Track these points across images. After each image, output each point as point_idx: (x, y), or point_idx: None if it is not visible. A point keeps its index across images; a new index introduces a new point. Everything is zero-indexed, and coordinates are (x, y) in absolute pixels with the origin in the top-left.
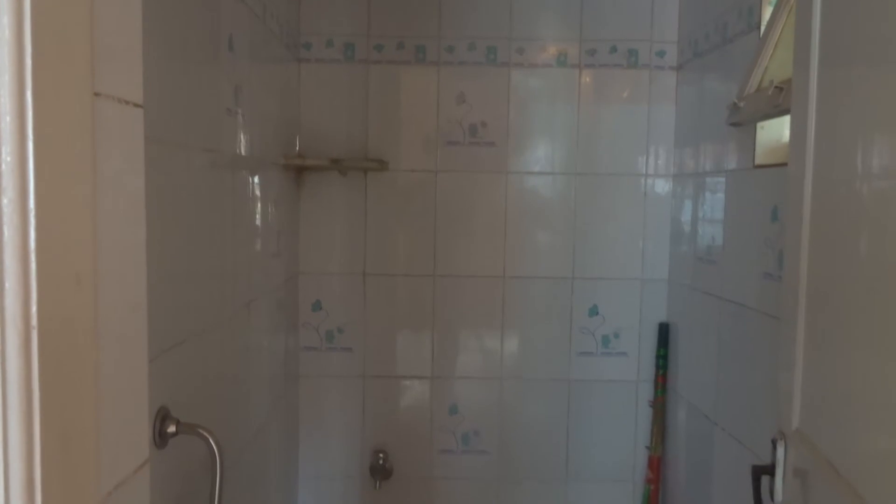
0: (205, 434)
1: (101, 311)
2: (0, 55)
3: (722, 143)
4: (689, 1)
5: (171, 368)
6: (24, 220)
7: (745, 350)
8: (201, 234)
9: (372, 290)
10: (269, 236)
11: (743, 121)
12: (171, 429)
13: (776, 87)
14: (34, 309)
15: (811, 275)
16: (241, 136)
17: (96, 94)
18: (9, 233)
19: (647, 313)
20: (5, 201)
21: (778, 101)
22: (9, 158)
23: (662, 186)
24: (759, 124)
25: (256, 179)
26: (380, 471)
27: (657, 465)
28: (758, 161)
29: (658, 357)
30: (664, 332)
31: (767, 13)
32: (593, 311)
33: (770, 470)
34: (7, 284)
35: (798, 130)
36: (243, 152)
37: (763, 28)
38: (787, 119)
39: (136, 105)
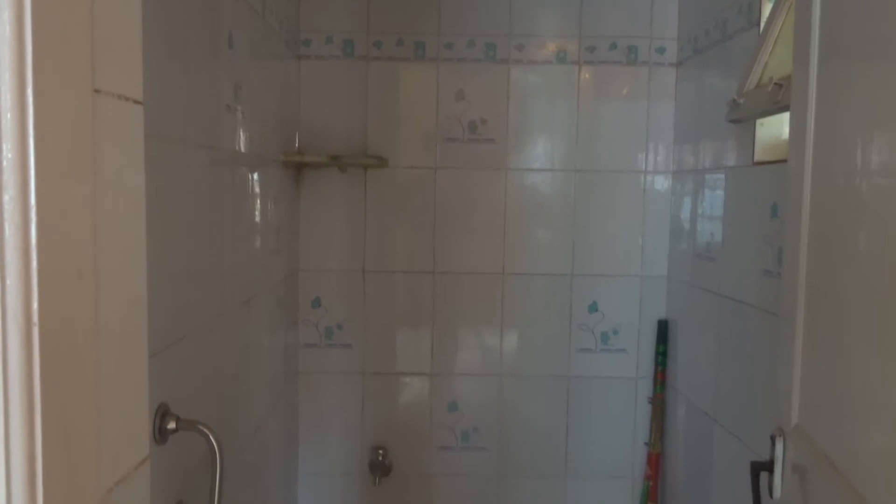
0: (205, 430)
1: (101, 307)
2: (1, 52)
3: (721, 140)
4: None
5: (171, 365)
6: (25, 216)
7: (744, 347)
8: (201, 231)
9: (371, 286)
10: (269, 233)
11: (742, 117)
12: (171, 425)
13: (776, 83)
14: (35, 305)
15: (810, 272)
16: (241, 133)
17: (96, 91)
18: (10, 229)
19: (647, 310)
20: (6, 198)
21: (777, 98)
22: (10, 155)
23: (662, 183)
24: (759, 121)
25: (256, 176)
26: (379, 467)
27: (656, 462)
28: (757, 158)
29: (657, 354)
30: (663, 329)
31: (767, 10)
32: (593, 308)
33: (769, 466)
34: (8, 281)
35: (797, 127)
36: (243, 149)
37: (763, 25)
38: (786, 116)
39: (136, 102)
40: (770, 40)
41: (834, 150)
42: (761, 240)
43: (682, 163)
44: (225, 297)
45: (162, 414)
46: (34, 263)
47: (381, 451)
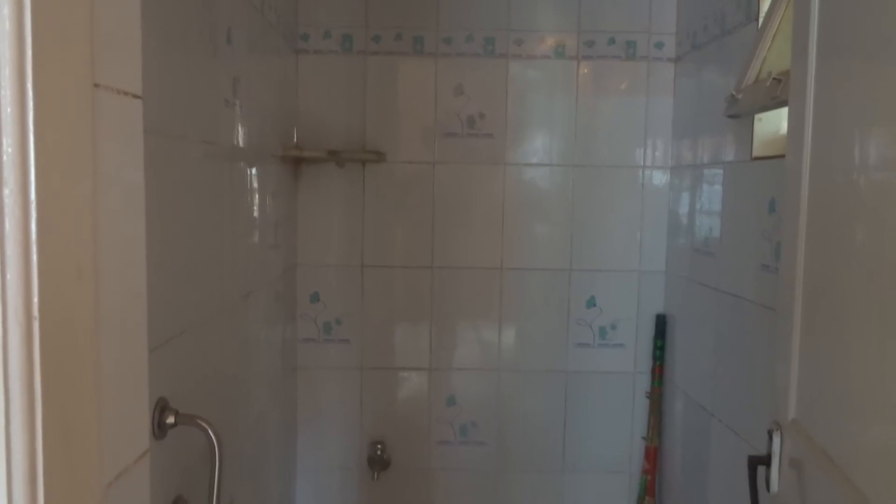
0: (203, 425)
1: (101, 302)
2: (1, 47)
3: (720, 135)
4: None
5: (170, 360)
6: (25, 211)
7: (741, 342)
8: (199, 225)
9: (370, 281)
10: (267, 228)
11: (741, 112)
12: (170, 420)
13: (774, 78)
14: (35, 300)
15: (808, 267)
16: (239, 128)
17: (96, 86)
18: (10, 224)
19: (645, 305)
20: (6, 192)
21: (776, 93)
22: (10, 150)
23: (660, 178)
24: (757, 116)
25: (254, 171)
26: (378, 462)
27: (654, 456)
28: (755, 153)
29: (655, 348)
30: (661, 324)
31: (766, 5)
32: (591, 303)
33: (766, 460)
34: (8, 276)
35: (796, 122)
36: (241, 144)
37: (761, 19)
38: (784, 111)
39: (135, 96)
40: (769, 35)
41: (832, 146)
42: (759, 235)
43: (680, 158)
44: (224, 291)
45: (161, 408)
46: (34, 258)
47: (379, 446)
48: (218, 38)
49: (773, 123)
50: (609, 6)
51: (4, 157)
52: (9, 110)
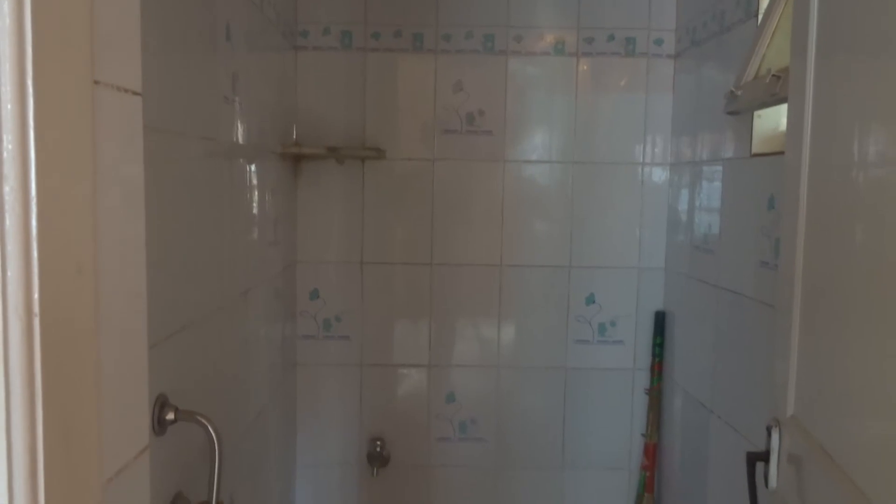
0: (203, 421)
1: (101, 297)
2: (1, 43)
3: (719, 132)
4: None
5: (170, 356)
6: (25, 208)
7: (741, 338)
8: (199, 222)
9: (369, 278)
10: (267, 225)
11: (740, 109)
12: (170, 416)
13: (773, 75)
14: (36, 296)
15: (807, 263)
16: (239, 125)
17: (96, 83)
18: (10, 220)
19: (644, 302)
20: (7, 189)
21: (775, 90)
22: (10, 146)
23: (659, 175)
24: (757, 113)
25: (254, 168)
26: (377, 458)
27: (653, 453)
28: (755, 150)
29: (654, 345)
30: (661, 321)
31: (765, 1)
32: (590, 300)
33: (765, 456)
34: (9, 272)
35: (795, 119)
36: (240, 141)
37: (761, 16)
38: (784, 107)
39: (134, 93)
40: (768, 32)
41: (831, 142)
42: (758, 232)
43: (679, 155)
44: (223, 288)
45: (161, 405)
46: (35, 254)
47: (379, 443)
48: (217, 34)
49: (773, 120)
50: (608, 3)
51: (5, 154)
52: (9, 107)
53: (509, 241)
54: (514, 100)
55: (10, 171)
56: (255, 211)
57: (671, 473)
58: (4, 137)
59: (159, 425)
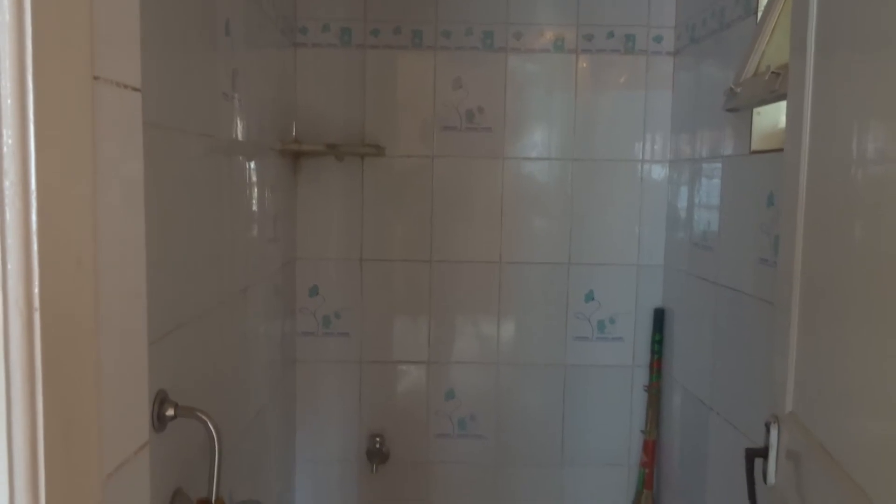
0: (203, 417)
1: (101, 293)
2: (1, 38)
3: (718, 129)
4: None
5: (169, 353)
6: (25, 202)
7: (740, 335)
8: (198, 219)
9: (369, 275)
10: (266, 222)
11: (739, 106)
12: (170, 412)
13: (773, 72)
14: (36, 290)
15: (806, 260)
16: (238, 122)
17: (95, 78)
18: (10, 215)
19: (643, 299)
20: (7, 183)
21: (775, 87)
22: (10, 141)
23: (659, 172)
24: (756, 110)
25: (253, 165)
26: (377, 455)
27: (652, 450)
28: (754, 147)
29: (653, 342)
30: (660, 318)
31: None
32: (589, 297)
33: (763, 453)
34: (10, 266)
35: (794, 116)
36: (240, 137)
37: (760, 13)
38: (783, 104)
39: (134, 89)
40: (767, 29)
41: (831, 139)
42: (758, 229)
43: (679, 152)
44: (223, 285)
45: (160, 401)
46: (35, 249)
47: (378, 439)
48: (216, 30)
49: (772, 117)
50: (608, 0)
51: (5, 149)
52: (9, 101)
53: (509, 238)
54: (514, 97)
55: (11, 165)
56: (254, 208)
57: (670, 470)
58: (4, 132)
59: (159, 421)
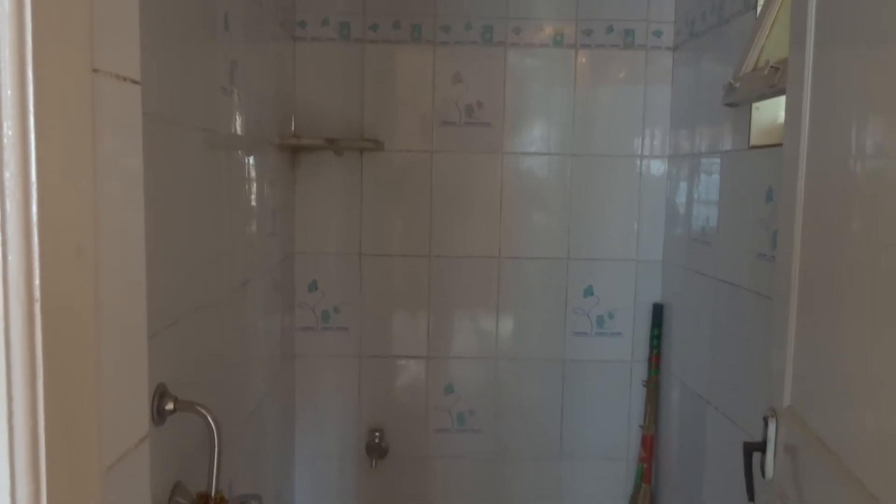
0: (202, 411)
1: (101, 285)
2: (1, 29)
3: (717, 124)
4: None
5: (169, 347)
6: (25, 193)
7: (738, 330)
8: (197, 213)
9: (368, 270)
10: (265, 216)
11: (739, 101)
12: (169, 406)
13: (772, 67)
14: (37, 282)
15: (804, 255)
16: (237, 116)
17: (95, 71)
18: (11, 206)
19: (642, 294)
20: (7, 175)
21: (774, 82)
22: (10, 132)
23: (658, 167)
24: (755, 105)
25: (252, 159)
26: (376, 450)
27: (650, 444)
28: (753, 142)
29: (652, 337)
30: (658, 313)
31: None
32: (588, 292)
33: (761, 446)
34: (10, 257)
35: (793, 111)
36: (239, 132)
37: (759, 8)
38: (782, 99)
39: (133, 82)
40: (767, 24)
41: (829, 134)
42: (756, 223)
43: (678, 147)
44: (222, 279)
45: (160, 395)
46: (35, 240)
47: (377, 434)
48: (216, 24)
49: (771, 112)
50: None
51: (5, 140)
52: (9, 93)
53: (508, 233)
54: (513, 92)
55: (11, 156)
56: (253, 202)
57: (668, 464)
58: (5, 123)
59: (159, 415)
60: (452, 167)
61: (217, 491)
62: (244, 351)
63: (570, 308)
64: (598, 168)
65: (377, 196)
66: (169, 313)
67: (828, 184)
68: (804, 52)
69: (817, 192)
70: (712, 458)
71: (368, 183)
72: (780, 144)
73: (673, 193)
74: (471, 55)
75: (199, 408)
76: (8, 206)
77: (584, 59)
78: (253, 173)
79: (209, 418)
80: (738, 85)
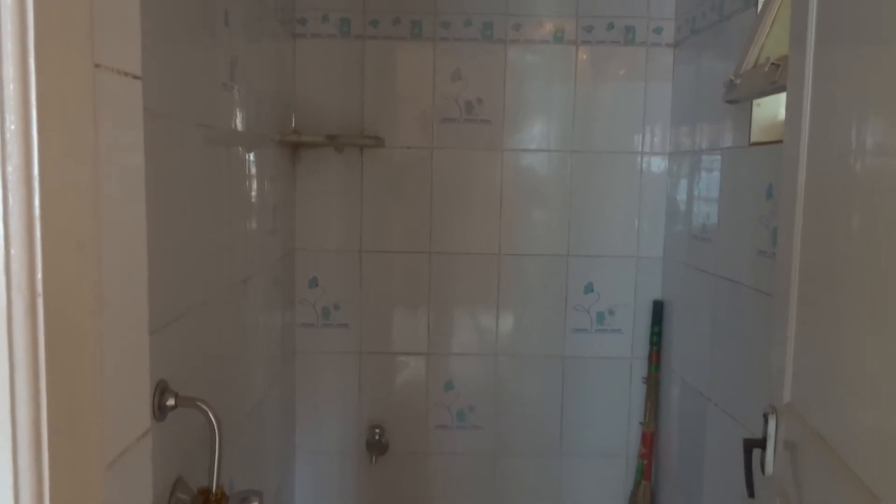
0: (203, 407)
1: (103, 280)
2: (3, 24)
3: (718, 121)
4: None
5: (169, 343)
6: (28, 187)
7: (738, 327)
8: (198, 209)
9: (368, 266)
10: (266, 213)
11: (739, 98)
12: (170, 402)
13: (773, 63)
14: (39, 276)
15: (804, 252)
16: (237, 112)
17: (96, 66)
18: (13, 200)
19: (642, 291)
20: (10, 168)
21: (774, 78)
22: (13, 126)
23: (658, 164)
24: (756, 102)
25: (252, 156)
26: (376, 446)
27: (650, 441)
28: (753, 139)
29: (652, 334)
30: (658, 310)
31: None
32: (588, 289)
33: (761, 443)
34: (13, 251)
35: (794, 108)
36: (239, 128)
37: (760, 5)
38: (783, 96)
39: (134, 77)
40: (767, 20)
41: (830, 131)
42: (757, 220)
43: (678, 144)
44: (222, 276)
45: (161, 390)
46: (38, 234)
47: (377, 430)
48: (216, 20)
49: (772, 109)
50: None
51: (8, 134)
52: (11, 87)
53: (508, 229)
54: (513, 88)
55: (14, 150)
56: (253, 199)
57: (668, 461)
58: (7, 118)
59: (160, 411)
60: (453, 164)
61: (218, 486)
62: (245, 347)
63: (571, 305)
64: (599, 165)
65: (377, 193)
66: (170, 309)
67: (828, 181)
68: (805, 49)
69: (818, 189)
70: (712, 455)
71: (369, 179)
72: (780, 141)
73: (673, 190)
74: (471, 52)
75: (200, 404)
76: (11, 200)
77: (584, 56)
78: (253, 170)
79: (210, 414)
80: (738, 82)
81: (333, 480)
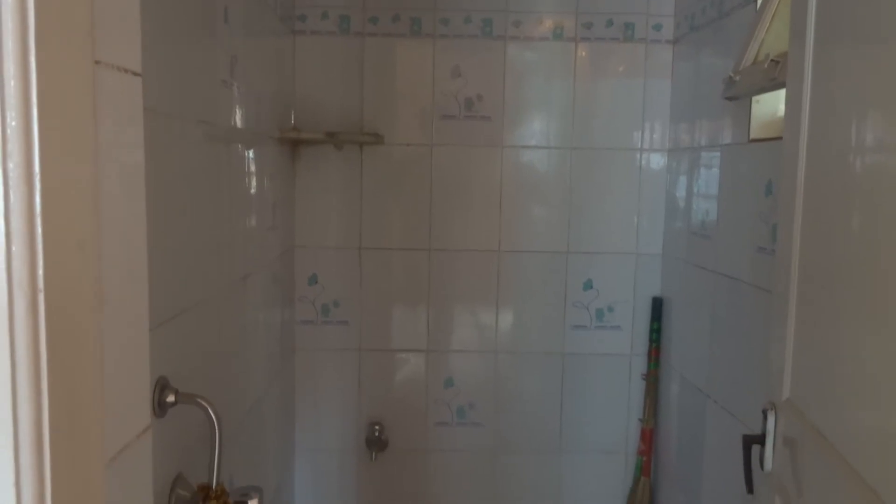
0: (203, 404)
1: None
2: (4, 21)
3: (717, 118)
4: None
5: (169, 340)
6: (29, 184)
7: (738, 324)
8: (197, 206)
9: (368, 263)
10: (265, 210)
11: (738, 94)
12: (171, 398)
13: (772, 60)
14: (41, 272)
15: (804, 249)
16: (237, 109)
17: (97, 62)
18: (15, 197)
19: (641, 287)
20: (11, 166)
21: (774, 75)
22: (14, 123)
23: (658, 161)
24: (755, 98)
25: (251, 153)
26: (376, 443)
27: (650, 437)
28: (753, 135)
29: (651, 331)
30: (658, 306)
31: None
32: (588, 285)
33: (760, 439)
34: (14, 248)
35: (793, 104)
36: (238, 125)
37: (759, 1)
38: (782, 93)
39: (134, 74)
40: (767, 17)
41: (830, 128)
42: (756, 217)
43: (677, 140)
44: (222, 273)
45: (161, 387)
46: (39, 230)
47: (377, 427)
48: (216, 17)
49: (771, 105)
50: None
51: (9, 131)
52: (12, 84)
53: (507, 226)
54: (513, 85)
55: (14, 147)
56: (253, 195)
57: (668, 458)
58: (8, 115)
59: (160, 408)
60: (452, 161)
61: (218, 483)
62: (244, 344)
63: (570, 301)
64: (598, 162)
65: (377, 190)
66: (169, 306)
67: (828, 178)
68: (804, 46)
69: (817, 185)
70: (711, 451)
71: (368, 177)
72: (779, 138)
73: (673, 187)
74: (470, 48)
75: (200, 400)
76: (12, 197)
77: (583, 53)
78: (253, 167)
79: (210, 411)
80: (737, 78)
81: (333, 477)
